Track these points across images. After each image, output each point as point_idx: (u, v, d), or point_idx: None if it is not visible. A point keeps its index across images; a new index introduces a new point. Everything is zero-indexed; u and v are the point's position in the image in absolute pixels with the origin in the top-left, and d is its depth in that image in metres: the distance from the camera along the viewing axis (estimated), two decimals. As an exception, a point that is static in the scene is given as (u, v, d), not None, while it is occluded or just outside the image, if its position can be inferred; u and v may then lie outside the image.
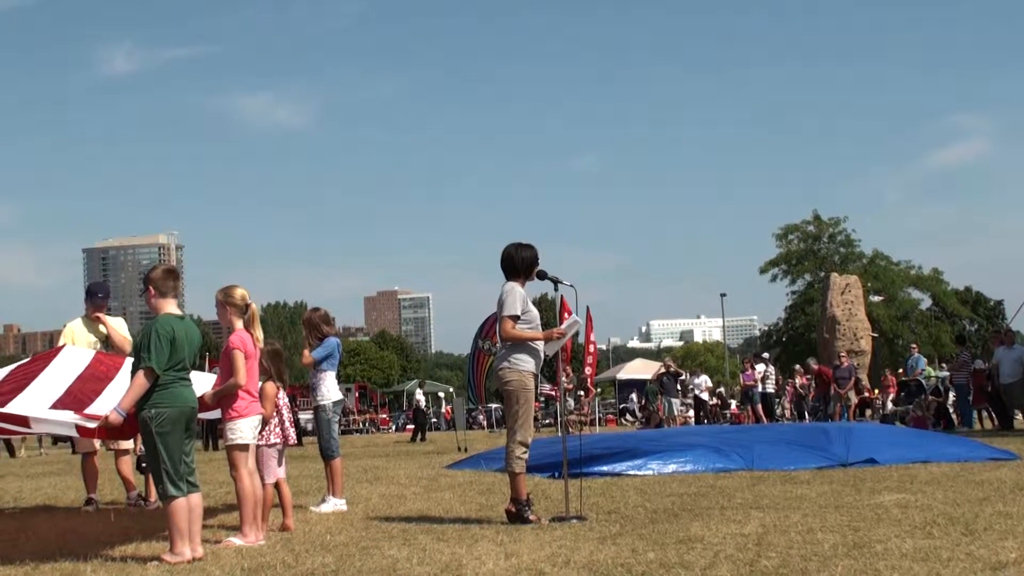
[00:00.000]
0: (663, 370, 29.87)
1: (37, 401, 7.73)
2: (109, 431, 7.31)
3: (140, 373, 6.30)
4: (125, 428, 6.93)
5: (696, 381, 30.99)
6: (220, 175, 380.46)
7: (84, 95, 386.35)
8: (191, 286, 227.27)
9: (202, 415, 8.10)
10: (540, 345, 7.99)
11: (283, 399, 8.21)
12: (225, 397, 7.16)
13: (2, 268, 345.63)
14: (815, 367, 28.32)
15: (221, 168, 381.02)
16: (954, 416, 22.67)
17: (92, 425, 6.77)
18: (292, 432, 8.33)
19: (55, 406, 8.03)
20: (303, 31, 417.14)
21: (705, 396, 30.12)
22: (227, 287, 7.45)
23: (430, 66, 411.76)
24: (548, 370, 28.84)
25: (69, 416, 7.06)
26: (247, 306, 7.39)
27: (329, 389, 9.45)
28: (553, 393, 32.97)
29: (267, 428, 7.93)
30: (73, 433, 8.24)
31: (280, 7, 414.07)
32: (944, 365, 23.30)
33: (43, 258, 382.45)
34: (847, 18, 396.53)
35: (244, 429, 7.18)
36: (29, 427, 8.13)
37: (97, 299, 10.52)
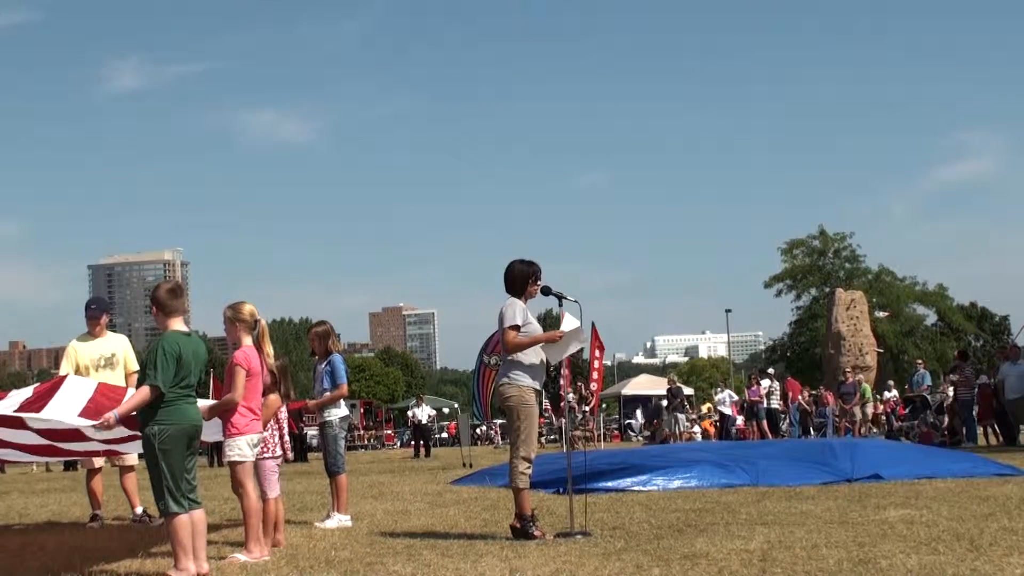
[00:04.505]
0: (668, 386, 29.90)
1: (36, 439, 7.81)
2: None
3: (144, 387, 6.32)
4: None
5: (719, 396, 30.90)
6: (225, 191, 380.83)
7: (90, 111, 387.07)
8: (196, 303, 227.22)
9: (207, 439, 8.11)
10: (541, 357, 7.97)
11: (284, 414, 8.23)
12: (222, 412, 7.17)
13: (8, 285, 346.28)
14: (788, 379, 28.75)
15: (226, 184, 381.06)
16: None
17: (88, 424, 6.79)
18: (288, 447, 8.35)
19: (57, 439, 8.08)
20: (309, 49, 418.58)
21: (729, 411, 30.02)
22: (235, 303, 7.47)
23: (435, 83, 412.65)
24: (553, 386, 28.90)
25: (66, 418, 7.08)
26: (256, 322, 7.41)
27: (335, 405, 9.47)
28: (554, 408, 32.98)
29: (268, 441, 7.94)
30: (67, 427, 8.27)
31: (286, 25, 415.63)
32: (952, 376, 23.26)
33: (48, 275, 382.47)
34: (854, 33, 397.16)
35: (243, 447, 7.19)
36: (27, 429, 8.16)
37: (91, 311, 10.50)
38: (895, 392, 29.16)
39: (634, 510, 9.49)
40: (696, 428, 33.08)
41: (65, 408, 7.14)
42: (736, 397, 31.25)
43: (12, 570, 6.99)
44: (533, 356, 7.91)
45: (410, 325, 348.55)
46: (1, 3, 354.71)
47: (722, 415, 30.29)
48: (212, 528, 8.24)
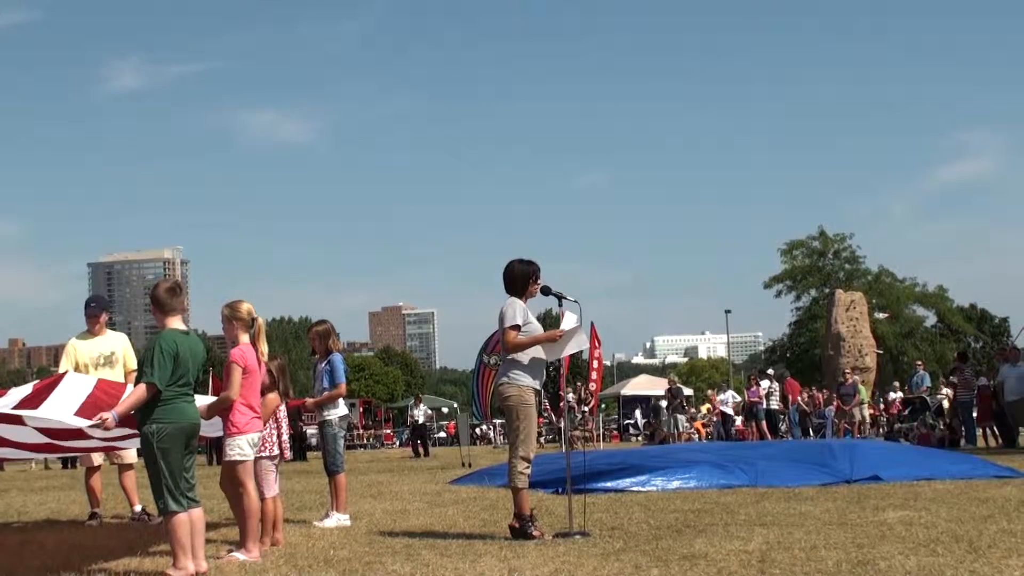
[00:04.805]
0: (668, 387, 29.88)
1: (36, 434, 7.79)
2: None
3: (142, 386, 6.33)
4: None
5: (722, 396, 30.87)
6: (225, 190, 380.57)
7: (91, 111, 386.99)
8: (196, 301, 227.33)
9: (207, 434, 8.11)
10: (541, 354, 7.96)
11: (283, 413, 8.23)
12: (220, 411, 7.17)
13: (8, 283, 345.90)
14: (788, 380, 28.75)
15: (226, 183, 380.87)
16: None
17: (86, 425, 6.80)
18: (287, 447, 8.34)
19: (55, 434, 8.06)
20: (309, 48, 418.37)
21: (731, 411, 29.99)
22: (232, 302, 7.49)
23: (435, 83, 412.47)
24: (552, 386, 28.91)
25: (65, 417, 7.08)
26: (253, 320, 7.42)
27: (335, 404, 9.47)
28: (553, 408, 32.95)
29: (266, 440, 7.94)
30: (66, 427, 8.28)
31: (287, 25, 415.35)
32: (952, 378, 23.28)
33: (48, 273, 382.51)
34: (854, 33, 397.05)
35: (244, 446, 7.21)
36: (24, 425, 8.16)
37: (91, 309, 10.51)
38: (900, 394, 29.18)
39: (633, 510, 9.49)
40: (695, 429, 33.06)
41: (63, 406, 7.14)
42: (739, 398, 31.24)
43: (11, 568, 6.99)
44: (532, 355, 7.91)
45: (410, 324, 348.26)
46: (1, 3, 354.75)
47: (724, 415, 30.28)
48: (210, 527, 8.23)
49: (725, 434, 29.54)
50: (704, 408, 38.96)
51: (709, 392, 33.45)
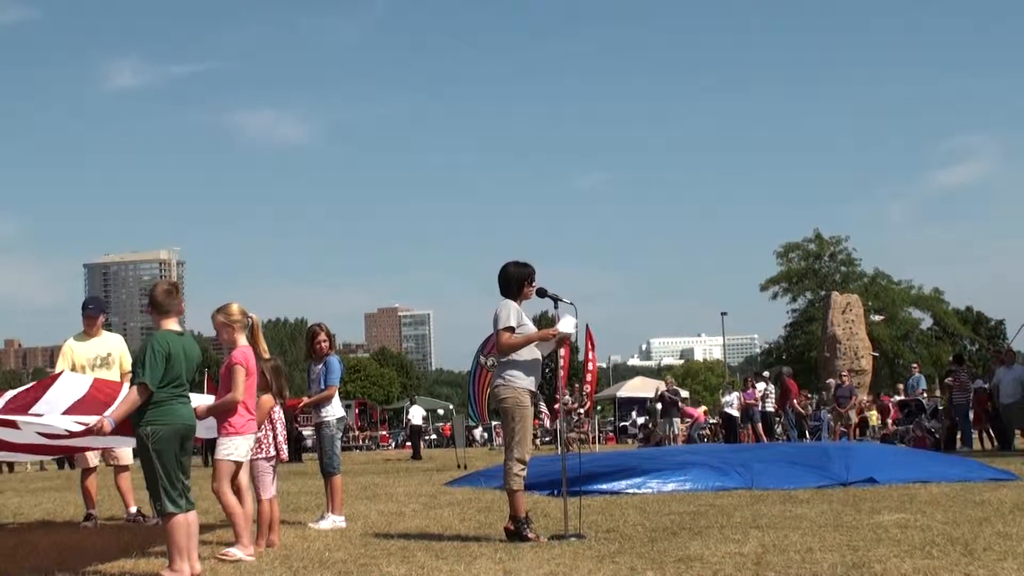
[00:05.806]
0: (663, 388, 29.85)
1: (32, 435, 7.78)
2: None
3: (134, 388, 6.33)
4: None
5: (727, 399, 30.79)
6: (222, 191, 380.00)
7: (89, 110, 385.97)
8: (192, 303, 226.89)
9: (201, 436, 8.09)
10: (537, 355, 7.96)
11: (278, 415, 8.22)
12: (221, 412, 7.17)
13: (4, 283, 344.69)
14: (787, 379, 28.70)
15: (223, 184, 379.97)
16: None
17: (81, 429, 6.79)
18: (284, 448, 8.33)
19: (51, 436, 8.05)
20: (308, 48, 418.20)
21: (735, 413, 29.94)
22: (222, 307, 7.49)
23: (434, 84, 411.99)
24: (548, 388, 28.88)
25: (59, 421, 7.07)
26: (249, 318, 7.43)
27: (332, 406, 9.46)
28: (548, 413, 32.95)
29: (261, 441, 7.93)
30: (60, 432, 8.28)
31: (286, 25, 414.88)
32: (946, 381, 23.28)
33: (44, 273, 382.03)
34: (851, 36, 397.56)
35: (239, 445, 7.21)
36: (18, 429, 8.15)
37: (88, 310, 10.51)
38: (902, 396, 29.21)
39: (628, 512, 9.49)
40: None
41: (58, 408, 7.14)
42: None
43: (6, 570, 6.98)
44: (528, 357, 7.91)
45: (405, 326, 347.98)
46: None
47: (728, 416, 30.22)
48: (206, 528, 8.23)
49: (728, 436, 29.49)
50: (701, 409, 38.99)
51: (683, 407, 33.34)
